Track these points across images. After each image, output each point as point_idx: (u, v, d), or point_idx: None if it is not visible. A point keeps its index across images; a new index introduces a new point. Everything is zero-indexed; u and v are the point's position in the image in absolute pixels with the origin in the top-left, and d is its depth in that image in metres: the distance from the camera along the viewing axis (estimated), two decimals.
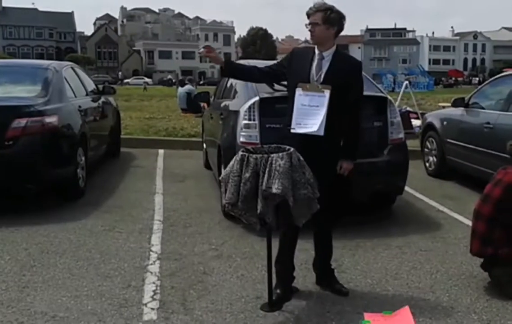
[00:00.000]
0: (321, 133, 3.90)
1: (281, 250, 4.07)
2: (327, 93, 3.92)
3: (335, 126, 3.96)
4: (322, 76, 3.98)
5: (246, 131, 5.71)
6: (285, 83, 4.39)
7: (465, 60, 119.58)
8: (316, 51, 4.05)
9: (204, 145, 9.28)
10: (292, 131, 3.96)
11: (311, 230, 4.22)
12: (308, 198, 3.63)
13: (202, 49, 4.34)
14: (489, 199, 4.26)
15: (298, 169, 3.63)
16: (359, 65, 4.26)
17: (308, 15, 4.00)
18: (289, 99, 4.11)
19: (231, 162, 3.73)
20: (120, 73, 58.02)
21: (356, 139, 4.18)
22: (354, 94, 4.07)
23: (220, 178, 3.99)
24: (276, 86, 5.52)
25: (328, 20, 3.95)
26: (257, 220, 3.73)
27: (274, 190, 3.48)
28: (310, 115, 3.93)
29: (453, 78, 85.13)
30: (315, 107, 3.92)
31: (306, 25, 4.03)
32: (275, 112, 5.43)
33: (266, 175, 3.52)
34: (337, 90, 3.93)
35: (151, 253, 5.04)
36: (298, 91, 3.96)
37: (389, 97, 6.30)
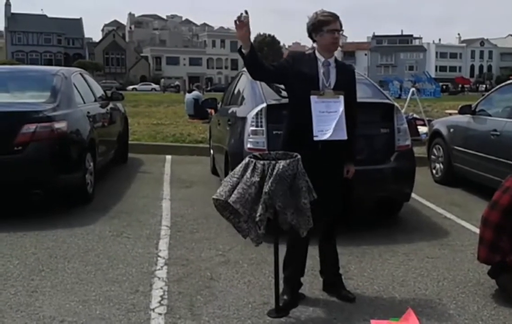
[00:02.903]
0: (345, 137, 4.00)
1: (290, 256, 4.10)
2: (341, 98, 4.01)
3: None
4: (333, 82, 4.04)
5: (254, 138, 5.73)
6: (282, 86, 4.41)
7: (472, 67, 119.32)
8: (321, 58, 4.08)
9: (211, 151, 9.31)
10: (315, 138, 3.95)
11: (317, 237, 4.25)
12: (308, 208, 3.68)
13: (244, 14, 3.80)
14: (497, 206, 4.26)
15: (302, 176, 3.67)
16: (354, 71, 4.41)
17: (329, 22, 4.01)
18: (296, 105, 4.10)
19: (237, 167, 3.76)
20: (162, 80, 56.27)
21: (355, 143, 4.25)
22: (354, 98, 4.20)
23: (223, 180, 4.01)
24: (283, 93, 5.54)
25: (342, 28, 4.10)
26: (247, 227, 3.77)
27: (266, 189, 3.51)
28: (331, 121, 3.96)
29: (460, 85, 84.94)
30: (333, 113, 3.97)
31: (336, 31, 4.02)
32: (282, 119, 5.43)
33: (271, 179, 3.55)
34: (345, 95, 4.04)
35: (158, 258, 5.07)
36: (314, 99, 3.96)
37: (396, 104, 6.31)
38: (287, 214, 3.64)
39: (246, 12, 3.84)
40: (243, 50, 3.92)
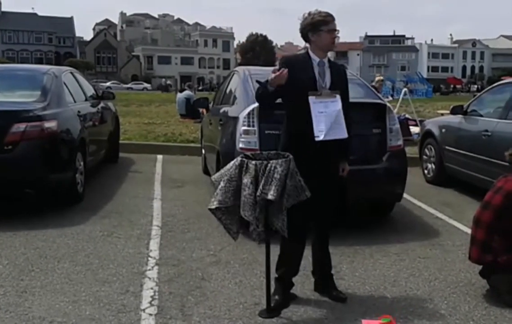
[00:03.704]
0: (346, 135, 4.01)
1: (284, 256, 4.09)
2: (338, 97, 4.02)
3: None
4: (328, 82, 4.05)
5: (245, 137, 5.72)
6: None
7: (464, 67, 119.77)
8: (316, 58, 4.06)
9: (203, 151, 9.29)
10: (316, 139, 3.93)
11: (310, 237, 4.24)
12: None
13: (282, 71, 3.88)
14: (489, 207, 4.27)
15: (295, 175, 3.68)
16: (346, 70, 4.44)
17: (328, 22, 4.02)
18: (295, 107, 4.06)
19: (227, 166, 3.77)
20: (163, 79, 55.89)
21: (350, 141, 4.23)
22: (347, 98, 4.21)
23: (212, 178, 4.01)
24: None
25: None
26: (236, 229, 3.85)
27: (269, 196, 3.54)
28: (330, 121, 3.96)
29: (452, 86, 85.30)
30: (332, 112, 3.97)
31: (335, 30, 4.07)
32: (274, 118, 5.41)
33: (263, 181, 3.57)
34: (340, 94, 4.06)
35: (149, 258, 5.04)
36: (312, 99, 3.95)
37: (388, 104, 6.32)
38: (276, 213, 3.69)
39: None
40: (268, 87, 3.94)
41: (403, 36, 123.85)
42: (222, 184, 3.74)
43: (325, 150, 3.96)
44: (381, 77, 15.44)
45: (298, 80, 4.01)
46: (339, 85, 4.10)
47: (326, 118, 3.95)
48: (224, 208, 3.76)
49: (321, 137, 3.94)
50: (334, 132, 3.96)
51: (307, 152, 3.92)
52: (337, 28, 4.07)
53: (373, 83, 14.19)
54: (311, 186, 3.80)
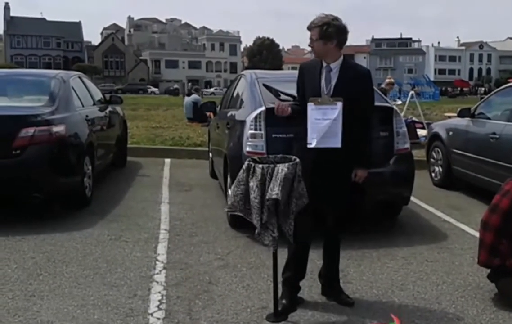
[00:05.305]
0: (339, 145, 3.90)
1: (292, 260, 4.09)
2: (339, 105, 3.90)
3: (348, 136, 3.92)
4: (332, 88, 3.98)
5: (252, 141, 5.72)
6: (295, 94, 4.41)
7: (471, 70, 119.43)
8: (324, 64, 4.05)
9: (210, 155, 9.30)
10: (308, 146, 3.92)
11: (321, 240, 4.24)
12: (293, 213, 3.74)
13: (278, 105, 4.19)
14: (497, 210, 4.25)
15: (300, 179, 3.69)
16: (367, 73, 4.21)
17: (309, 30, 4.02)
18: (304, 113, 4.05)
19: (241, 173, 3.78)
20: (189, 83, 56.60)
21: (367, 147, 4.18)
22: (364, 102, 4.06)
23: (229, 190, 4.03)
24: (282, 96, 5.53)
25: (324, 36, 3.93)
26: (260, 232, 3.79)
27: (273, 195, 3.53)
28: (323, 129, 3.92)
29: (459, 88, 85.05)
30: (329, 120, 3.91)
31: (310, 40, 4.04)
32: (281, 122, 5.41)
33: (271, 184, 3.57)
34: (348, 100, 3.90)
35: (157, 262, 5.05)
36: (310, 106, 3.93)
37: (395, 107, 6.31)
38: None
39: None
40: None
41: (410, 38, 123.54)
42: (233, 188, 3.77)
43: (322, 157, 3.92)
44: (392, 80, 15.12)
45: (307, 85, 4.06)
46: (347, 90, 3.93)
47: (320, 126, 3.91)
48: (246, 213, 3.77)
49: (312, 145, 3.92)
50: (326, 141, 3.89)
51: (309, 158, 3.91)
52: (320, 35, 3.93)
53: (383, 85, 14.09)
54: (316, 192, 3.81)
